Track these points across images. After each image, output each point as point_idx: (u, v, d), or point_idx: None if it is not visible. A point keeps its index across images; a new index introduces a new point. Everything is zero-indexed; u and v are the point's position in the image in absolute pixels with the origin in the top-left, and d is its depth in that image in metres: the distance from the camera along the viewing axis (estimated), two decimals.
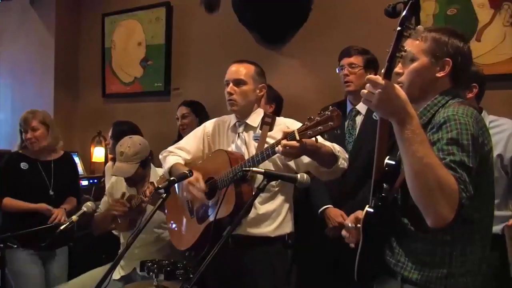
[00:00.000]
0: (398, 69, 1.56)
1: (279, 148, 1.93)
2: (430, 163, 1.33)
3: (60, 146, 3.36)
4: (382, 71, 1.39)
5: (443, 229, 1.43)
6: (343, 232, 1.69)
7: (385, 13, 1.42)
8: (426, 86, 1.58)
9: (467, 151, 1.39)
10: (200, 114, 3.67)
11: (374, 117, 2.67)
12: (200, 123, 3.51)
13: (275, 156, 2.13)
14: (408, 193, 1.44)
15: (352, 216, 1.69)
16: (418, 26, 1.38)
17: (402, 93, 1.37)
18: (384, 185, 1.53)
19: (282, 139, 1.93)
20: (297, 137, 1.88)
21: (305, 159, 2.12)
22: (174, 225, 2.58)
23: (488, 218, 1.57)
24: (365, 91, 1.39)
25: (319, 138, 2.18)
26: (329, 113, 1.83)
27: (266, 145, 2.20)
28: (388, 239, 1.57)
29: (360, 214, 1.64)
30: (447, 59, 1.56)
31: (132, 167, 2.84)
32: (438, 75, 1.57)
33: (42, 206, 3.09)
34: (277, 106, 3.25)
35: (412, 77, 1.57)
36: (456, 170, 1.36)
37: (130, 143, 2.88)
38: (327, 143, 2.13)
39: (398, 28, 1.34)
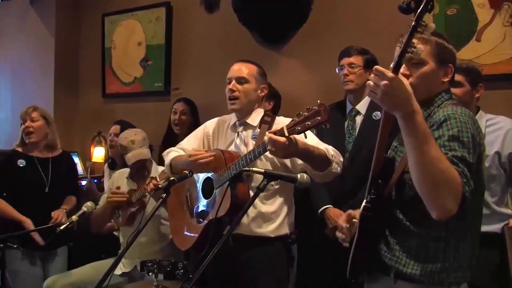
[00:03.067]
0: (404, 70, 1.56)
1: (265, 139, 1.92)
2: (435, 156, 1.36)
3: (57, 144, 3.37)
4: (391, 65, 1.38)
5: (438, 225, 1.48)
6: (337, 233, 1.73)
7: (399, 9, 1.41)
8: (432, 90, 1.63)
9: (468, 148, 1.44)
10: (195, 115, 3.69)
11: (374, 117, 2.67)
12: (194, 124, 3.54)
13: (273, 156, 2.13)
14: (403, 189, 1.50)
15: (344, 215, 1.72)
16: (430, 23, 1.38)
17: (408, 87, 1.37)
18: (380, 181, 1.56)
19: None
20: (286, 133, 1.89)
21: (300, 160, 2.13)
22: (175, 225, 2.58)
23: (478, 215, 1.63)
24: (370, 82, 1.38)
25: (316, 139, 2.19)
26: (316, 108, 1.84)
27: None
28: (384, 235, 1.60)
29: (352, 212, 1.69)
30: (450, 64, 1.63)
31: (147, 150, 3.01)
32: (444, 79, 1.63)
33: (27, 222, 3.02)
34: (275, 103, 3.25)
35: (423, 81, 1.60)
36: (458, 165, 1.40)
37: (135, 132, 3.08)
38: (322, 146, 2.13)
39: (413, 24, 1.34)
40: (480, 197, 1.62)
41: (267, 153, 2.06)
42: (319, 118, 1.83)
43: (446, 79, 1.63)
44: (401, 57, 1.37)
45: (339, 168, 2.14)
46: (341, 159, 2.18)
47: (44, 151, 3.29)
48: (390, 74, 1.34)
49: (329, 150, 2.12)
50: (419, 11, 1.34)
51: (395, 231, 1.58)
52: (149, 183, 2.72)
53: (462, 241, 1.55)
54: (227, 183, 2.15)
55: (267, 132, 1.95)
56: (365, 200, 1.58)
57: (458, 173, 1.38)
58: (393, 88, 1.35)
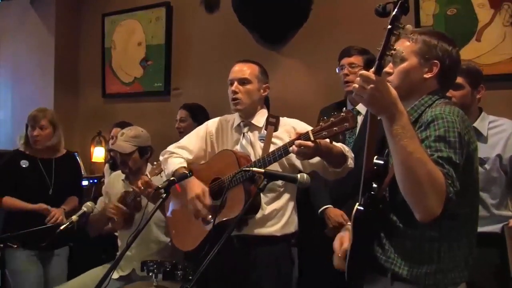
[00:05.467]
0: (388, 68, 1.61)
1: (293, 148, 1.93)
2: (419, 158, 1.37)
3: (62, 146, 3.36)
4: (373, 69, 1.41)
5: (431, 226, 1.47)
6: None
7: (375, 12, 1.46)
8: (414, 86, 1.62)
9: (454, 148, 1.43)
10: (198, 118, 3.66)
11: None
12: (197, 126, 3.51)
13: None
14: (397, 191, 1.48)
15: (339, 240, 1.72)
16: (407, 25, 1.42)
17: (392, 90, 1.41)
18: (373, 183, 1.56)
19: (296, 139, 1.94)
20: (312, 138, 1.90)
21: (313, 159, 2.12)
22: (176, 226, 2.56)
23: (473, 214, 1.61)
24: (356, 85, 1.41)
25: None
26: (343, 114, 1.86)
27: (271, 146, 2.21)
28: (378, 237, 1.60)
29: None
30: (435, 61, 1.60)
31: (129, 146, 2.86)
32: (426, 76, 1.61)
33: (41, 206, 3.07)
34: None
35: (401, 76, 1.61)
36: (444, 166, 1.40)
37: (132, 128, 3.01)
38: (337, 144, 2.14)
39: (388, 27, 1.38)
40: (473, 196, 1.61)
41: None
42: (347, 124, 1.84)
43: (430, 75, 1.60)
44: (381, 60, 1.40)
45: (352, 163, 2.16)
46: (353, 154, 2.20)
47: (49, 152, 3.28)
48: (375, 77, 1.37)
49: (344, 146, 2.16)
50: (393, 14, 1.37)
51: (389, 233, 1.58)
52: (138, 181, 2.68)
53: (457, 241, 1.54)
54: (241, 184, 2.15)
55: (298, 141, 1.93)
56: (358, 203, 1.58)
57: (443, 174, 1.38)
58: (379, 91, 1.38)
